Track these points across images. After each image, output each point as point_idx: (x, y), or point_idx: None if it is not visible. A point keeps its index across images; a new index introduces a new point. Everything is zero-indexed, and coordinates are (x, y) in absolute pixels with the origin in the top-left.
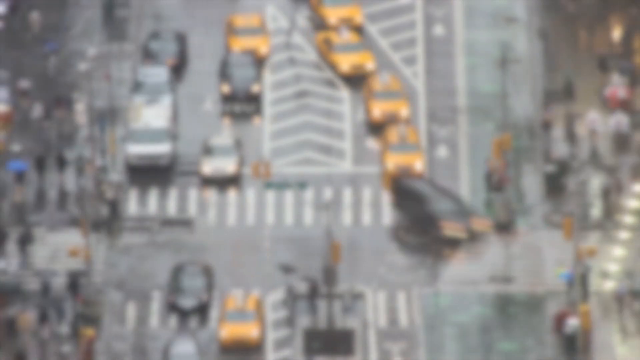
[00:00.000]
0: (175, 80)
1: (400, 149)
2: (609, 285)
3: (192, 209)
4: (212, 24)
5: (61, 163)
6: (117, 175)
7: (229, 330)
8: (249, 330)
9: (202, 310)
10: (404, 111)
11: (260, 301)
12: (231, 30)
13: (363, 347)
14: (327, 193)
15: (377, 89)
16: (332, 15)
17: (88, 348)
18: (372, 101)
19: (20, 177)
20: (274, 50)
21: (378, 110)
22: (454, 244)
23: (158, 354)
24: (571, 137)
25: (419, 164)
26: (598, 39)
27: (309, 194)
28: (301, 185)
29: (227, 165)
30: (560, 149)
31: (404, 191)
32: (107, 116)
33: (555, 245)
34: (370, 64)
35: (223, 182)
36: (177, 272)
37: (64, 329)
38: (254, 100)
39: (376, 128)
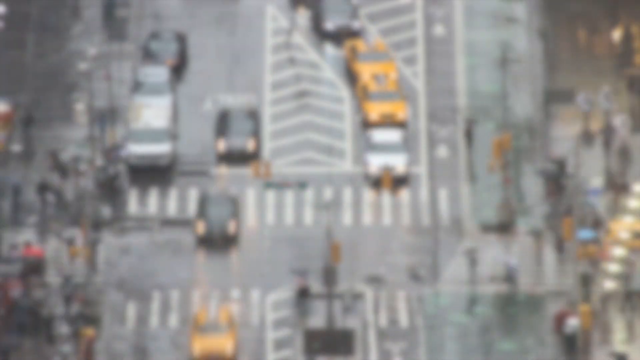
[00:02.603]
0: (175, 80)
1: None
2: (610, 285)
3: (192, 209)
4: (212, 24)
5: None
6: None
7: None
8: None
9: None
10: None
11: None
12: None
13: (363, 347)
14: (327, 193)
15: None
16: (366, 71)
17: (88, 348)
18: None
19: None
20: (274, 50)
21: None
22: None
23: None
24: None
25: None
26: (598, 39)
27: (309, 194)
28: (301, 185)
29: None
30: (560, 148)
31: None
32: (107, 116)
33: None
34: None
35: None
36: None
37: (64, 329)
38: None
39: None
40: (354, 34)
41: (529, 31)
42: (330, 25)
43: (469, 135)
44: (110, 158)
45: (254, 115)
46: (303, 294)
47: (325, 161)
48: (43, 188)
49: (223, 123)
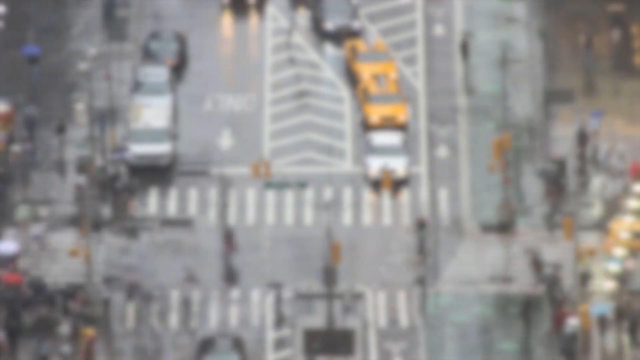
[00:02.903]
0: (176, 80)
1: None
2: (609, 285)
3: (192, 209)
4: (212, 24)
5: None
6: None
7: None
8: None
9: None
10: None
11: None
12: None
13: (363, 347)
14: (327, 193)
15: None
16: (367, 71)
17: (88, 348)
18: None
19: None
20: (274, 50)
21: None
22: None
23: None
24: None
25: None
26: (598, 39)
27: (309, 194)
28: (301, 185)
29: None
30: (560, 148)
31: None
32: (107, 116)
33: (555, 245)
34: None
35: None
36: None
37: (64, 329)
38: None
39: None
40: (354, 34)
41: (529, 31)
42: (330, 25)
43: (464, 48)
44: (112, 158)
45: (240, 345)
46: (132, 290)
47: (325, 161)
48: (60, 129)
49: (206, 355)
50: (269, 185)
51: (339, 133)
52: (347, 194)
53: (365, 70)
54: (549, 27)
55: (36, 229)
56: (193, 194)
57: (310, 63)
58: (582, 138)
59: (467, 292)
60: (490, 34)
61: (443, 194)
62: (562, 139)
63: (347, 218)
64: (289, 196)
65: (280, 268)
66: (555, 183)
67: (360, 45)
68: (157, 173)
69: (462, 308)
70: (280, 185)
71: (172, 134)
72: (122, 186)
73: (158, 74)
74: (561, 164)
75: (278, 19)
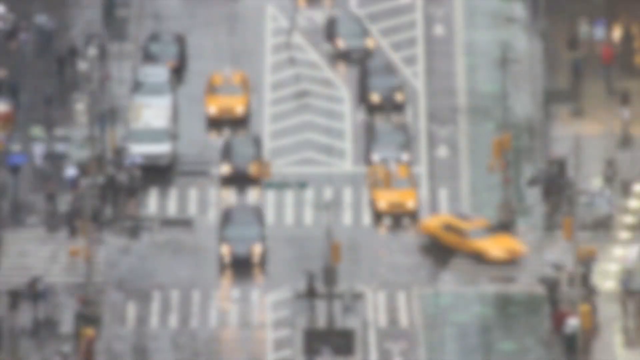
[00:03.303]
0: (176, 81)
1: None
2: (610, 285)
3: (192, 209)
4: (212, 24)
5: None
6: None
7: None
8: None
9: None
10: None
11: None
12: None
13: (363, 347)
14: (327, 193)
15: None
16: (383, 198)
17: (88, 348)
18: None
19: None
20: (274, 50)
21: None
22: None
23: (159, 352)
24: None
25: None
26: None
27: (309, 194)
28: (301, 185)
29: None
30: (560, 148)
31: None
32: (107, 116)
33: (556, 245)
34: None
35: None
36: None
37: (64, 328)
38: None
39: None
40: (397, 106)
41: (529, 31)
42: (375, 97)
43: None
44: (121, 166)
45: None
46: (15, 302)
47: (325, 161)
48: (72, 53)
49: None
50: (268, 185)
51: (338, 133)
52: (347, 194)
53: (382, 197)
54: (549, 27)
55: (70, 171)
56: (193, 194)
57: (310, 63)
58: (573, 44)
59: (467, 292)
60: (490, 34)
61: (443, 194)
62: (562, 139)
63: (347, 218)
64: (289, 196)
65: (280, 268)
66: (555, 183)
67: (382, 171)
68: (157, 173)
69: (462, 308)
70: (280, 185)
71: (172, 134)
72: (136, 188)
73: (158, 74)
74: (561, 164)
75: (278, 19)
